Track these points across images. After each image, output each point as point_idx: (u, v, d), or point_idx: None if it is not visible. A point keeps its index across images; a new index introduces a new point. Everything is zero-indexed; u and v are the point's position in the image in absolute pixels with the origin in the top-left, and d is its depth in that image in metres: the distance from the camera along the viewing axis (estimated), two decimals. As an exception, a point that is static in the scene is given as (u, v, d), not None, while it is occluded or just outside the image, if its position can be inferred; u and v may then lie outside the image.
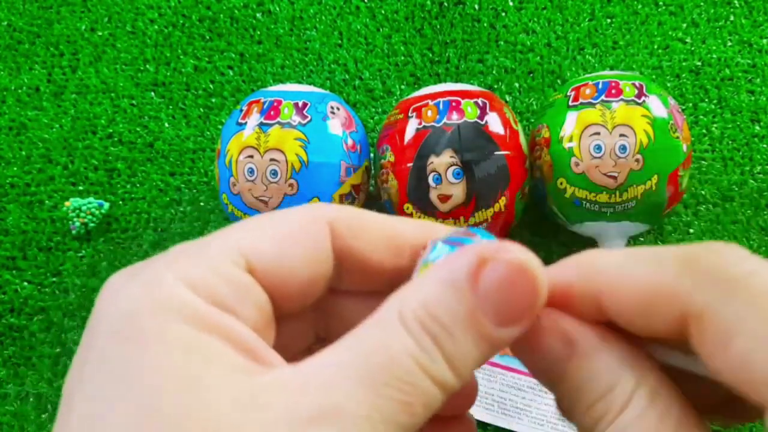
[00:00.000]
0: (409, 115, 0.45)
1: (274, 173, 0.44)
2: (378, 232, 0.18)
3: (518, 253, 0.15)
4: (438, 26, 0.58)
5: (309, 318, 0.21)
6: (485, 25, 0.58)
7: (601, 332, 0.16)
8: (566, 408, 0.16)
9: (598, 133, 0.43)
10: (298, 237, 0.17)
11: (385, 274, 0.19)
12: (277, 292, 0.17)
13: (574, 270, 0.17)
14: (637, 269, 0.16)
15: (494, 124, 0.44)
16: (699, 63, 0.56)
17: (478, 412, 0.47)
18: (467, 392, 0.20)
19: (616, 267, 0.16)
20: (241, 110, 0.46)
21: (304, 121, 0.44)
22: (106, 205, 0.53)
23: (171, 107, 0.57)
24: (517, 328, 0.15)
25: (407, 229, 0.19)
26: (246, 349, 0.15)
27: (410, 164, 0.44)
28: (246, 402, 0.14)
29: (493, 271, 0.15)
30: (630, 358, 0.16)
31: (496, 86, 0.56)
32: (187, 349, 0.14)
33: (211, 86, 0.57)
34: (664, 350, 0.16)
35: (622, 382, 0.15)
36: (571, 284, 0.17)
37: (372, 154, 0.51)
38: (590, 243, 0.48)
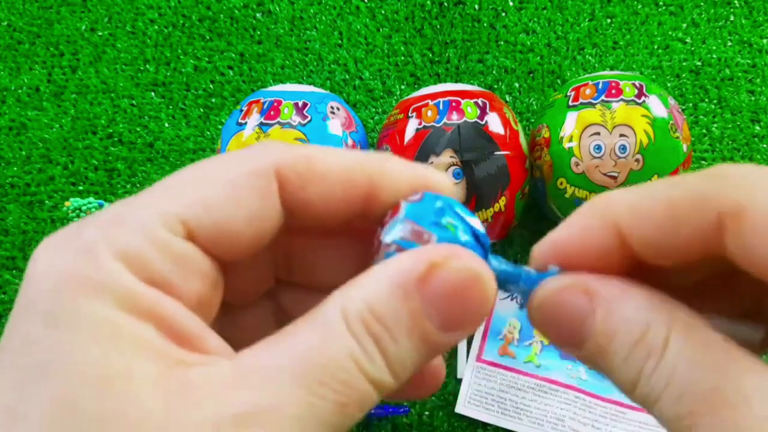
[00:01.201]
0: (409, 115, 0.45)
1: (274, 173, 0.44)
2: (331, 178, 0.16)
3: (470, 261, 0.15)
4: (438, 26, 0.58)
5: (264, 261, 0.19)
6: (485, 25, 0.58)
7: (621, 281, 0.16)
8: (605, 366, 0.15)
9: (598, 133, 0.43)
10: (241, 194, 0.15)
11: (341, 218, 0.17)
12: (221, 253, 0.16)
13: (590, 211, 0.16)
14: (657, 188, 0.15)
15: (494, 124, 0.44)
16: (699, 63, 0.56)
17: (478, 412, 0.47)
18: (430, 381, 0.20)
19: (633, 194, 0.16)
20: (241, 110, 0.46)
21: (304, 121, 0.44)
22: (106, 205, 0.53)
23: (171, 107, 0.57)
24: (461, 334, 0.15)
25: (361, 171, 0.17)
26: (180, 336, 0.14)
27: (410, 164, 0.44)
28: (172, 400, 0.13)
29: (442, 277, 0.15)
30: (655, 297, 0.15)
31: (496, 86, 0.56)
32: (114, 338, 0.13)
33: (211, 86, 0.57)
34: (721, 321, 0.16)
35: (654, 322, 0.15)
36: (589, 227, 0.16)
37: (372, 154, 0.51)
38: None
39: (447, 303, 0.15)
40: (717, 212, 0.14)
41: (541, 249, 0.17)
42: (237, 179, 0.16)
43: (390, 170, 0.17)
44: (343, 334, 0.14)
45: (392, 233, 0.16)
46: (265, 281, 0.20)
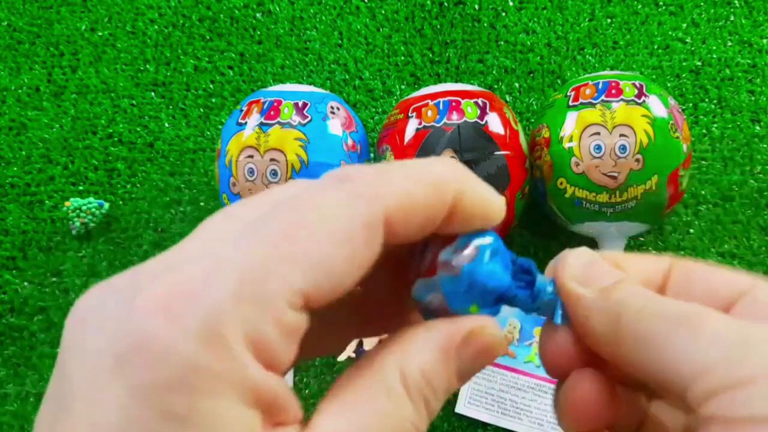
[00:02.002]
0: (409, 115, 0.45)
1: (274, 173, 0.44)
2: (423, 212, 0.17)
3: (496, 331, 0.18)
4: (438, 26, 0.58)
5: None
6: (485, 25, 0.58)
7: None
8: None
9: (598, 133, 0.43)
10: (356, 252, 0.15)
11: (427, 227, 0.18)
12: (330, 300, 0.16)
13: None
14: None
15: (494, 124, 0.44)
16: (699, 63, 0.56)
17: (478, 412, 0.47)
18: None
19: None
20: (241, 110, 0.46)
21: (304, 121, 0.44)
22: (106, 205, 0.53)
23: (171, 107, 0.57)
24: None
25: (443, 202, 0.17)
26: (276, 415, 0.15)
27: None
28: None
29: (474, 344, 0.18)
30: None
31: (496, 86, 0.56)
32: None
33: (211, 86, 0.57)
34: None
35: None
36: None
37: (372, 154, 0.51)
38: (590, 243, 0.48)
39: (473, 363, 0.18)
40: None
41: None
42: (354, 236, 0.15)
43: (467, 191, 0.18)
44: (405, 402, 0.16)
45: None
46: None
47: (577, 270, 0.20)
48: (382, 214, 0.16)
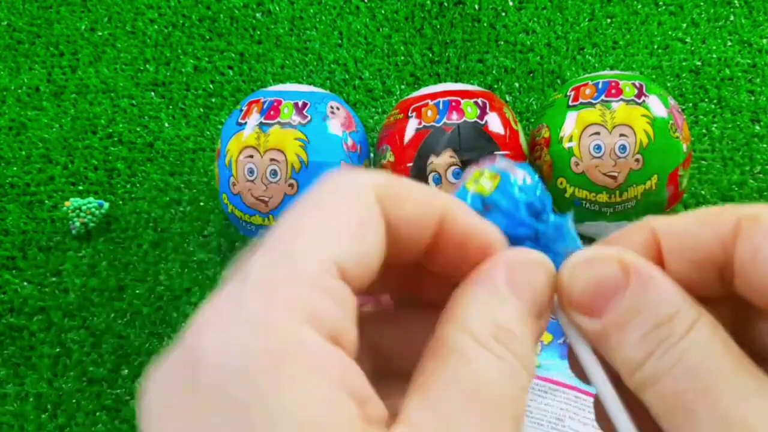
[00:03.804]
0: (409, 115, 0.45)
1: (274, 173, 0.44)
2: (414, 199, 0.17)
3: (538, 254, 0.17)
4: (438, 26, 0.58)
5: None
6: (485, 25, 0.58)
7: (657, 266, 0.17)
8: (614, 342, 0.16)
9: (598, 133, 0.43)
10: (365, 225, 0.16)
11: (416, 247, 0.18)
12: (360, 287, 0.16)
13: (633, 225, 0.18)
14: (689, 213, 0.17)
15: (494, 124, 0.44)
16: (699, 63, 0.56)
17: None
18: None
19: (668, 218, 0.17)
20: (241, 110, 0.46)
21: (304, 121, 0.44)
22: (106, 205, 0.53)
23: (171, 107, 0.57)
24: (546, 318, 0.17)
25: (436, 198, 0.18)
26: (363, 404, 0.14)
27: (410, 164, 0.44)
28: None
29: (522, 272, 0.17)
30: (688, 294, 0.16)
31: (496, 86, 0.56)
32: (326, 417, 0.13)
33: (211, 86, 0.57)
34: None
35: (684, 310, 0.15)
36: (630, 232, 0.18)
37: (372, 154, 0.51)
38: (590, 243, 0.48)
39: (531, 293, 0.16)
40: (737, 216, 0.16)
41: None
42: (356, 209, 0.16)
43: (460, 213, 0.18)
44: (487, 359, 0.15)
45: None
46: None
47: (578, 291, 0.17)
48: (373, 193, 0.16)
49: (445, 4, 0.59)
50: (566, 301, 0.17)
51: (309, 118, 0.45)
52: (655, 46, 0.57)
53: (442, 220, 0.18)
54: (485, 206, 0.18)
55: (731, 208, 0.16)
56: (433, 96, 0.45)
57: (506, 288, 0.16)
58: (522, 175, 0.18)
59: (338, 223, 0.16)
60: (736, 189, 0.52)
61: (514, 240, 0.18)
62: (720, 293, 0.17)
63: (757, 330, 0.18)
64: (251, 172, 0.44)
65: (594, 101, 0.44)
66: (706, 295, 0.17)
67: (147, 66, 0.58)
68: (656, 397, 0.15)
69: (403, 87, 0.57)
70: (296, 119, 0.44)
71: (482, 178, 0.19)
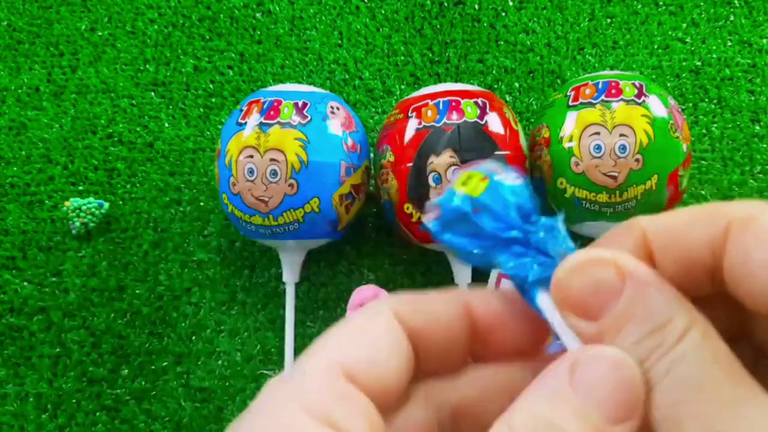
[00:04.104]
0: (409, 115, 0.45)
1: (274, 173, 0.44)
2: (435, 303, 0.18)
3: (612, 351, 0.16)
4: (438, 26, 0.58)
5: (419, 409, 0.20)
6: (485, 25, 0.58)
7: (653, 269, 0.16)
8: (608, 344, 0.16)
9: (598, 133, 0.43)
10: (379, 336, 0.18)
11: (456, 343, 0.19)
12: (377, 395, 0.17)
13: (621, 225, 0.18)
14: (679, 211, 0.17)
15: (494, 124, 0.44)
16: (699, 63, 0.56)
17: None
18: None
19: (658, 216, 0.18)
20: (241, 110, 0.46)
21: (304, 121, 0.44)
22: (106, 205, 0.53)
23: (171, 107, 0.57)
24: (629, 425, 0.15)
25: (457, 301, 0.19)
26: None
27: (410, 164, 0.44)
28: None
29: (588, 369, 0.15)
30: (680, 295, 0.16)
31: (496, 86, 0.56)
32: None
33: (211, 86, 0.57)
34: None
35: (678, 317, 0.15)
36: (619, 233, 0.18)
37: (372, 154, 0.51)
38: (590, 243, 0.48)
39: (599, 392, 0.15)
40: (728, 218, 0.16)
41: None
42: (371, 325, 0.18)
43: (482, 302, 0.19)
44: None
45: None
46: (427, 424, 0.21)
47: (574, 294, 0.16)
48: (390, 311, 0.18)
49: (445, 4, 0.59)
50: (562, 303, 0.17)
51: (309, 118, 0.45)
52: (655, 46, 0.57)
53: (468, 313, 0.18)
54: (474, 208, 0.18)
55: (721, 207, 0.16)
56: (433, 96, 0.45)
57: (568, 386, 0.15)
58: (511, 177, 0.18)
59: (349, 336, 0.17)
60: (736, 189, 0.52)
61: (504, 242, 0.18)
62: (711, 292, 0.17)
63: (755, 325, 0.18)
64: (251, 172, 0.44)
65: (594, 101, 0.44)
66: (699, 295, 0.17)
67: (147, 66, 0.58)
68: (649, 407, 0.15)
69: (403, 87, 0.57)
70: (296, 119, 0.44)
71: (471, 180, 0.18)
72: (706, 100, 0.55)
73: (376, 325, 0.18)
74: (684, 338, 0.15)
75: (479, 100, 0.45)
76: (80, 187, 0.55)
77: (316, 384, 0.16)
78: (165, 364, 0.50)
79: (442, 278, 0.51)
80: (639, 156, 0.42)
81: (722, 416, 0.14)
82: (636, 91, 0.44)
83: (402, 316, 0.18)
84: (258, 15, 0.59)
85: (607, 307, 0.16)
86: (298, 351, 0.50)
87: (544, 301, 0.17)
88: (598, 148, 0.43)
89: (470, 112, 0.44)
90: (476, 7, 0.58)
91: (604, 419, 0.15)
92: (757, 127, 0.54)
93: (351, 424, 0.16)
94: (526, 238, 0.18)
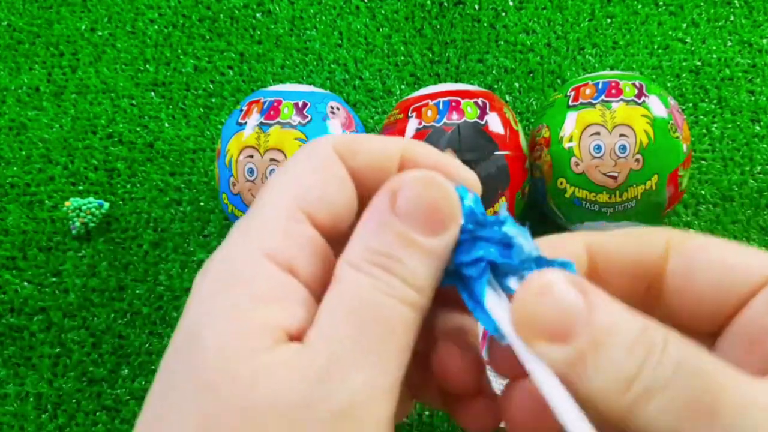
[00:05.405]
0: (409, 115, 0.45)
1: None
2: (372, 148, 0.19)
3: (421, 173, 0.17)
4: (438, 26, 0.58)
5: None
6: (485, 25, 0.58)
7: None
8: (592, 365, 0.15)
9: (598, 133, 0.43)
10: (326, 174, 0.18)
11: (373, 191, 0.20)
12: (331, 231, 0.18)
13: (568, 235, 0.19)
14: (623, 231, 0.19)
15: (494, 124, 0.44)
16: (699, 63, 0.56)
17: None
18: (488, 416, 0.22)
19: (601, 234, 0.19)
20: (241, 110, 0.46)
21: (304, 121, 0.44)
22: (106, 205, 0.53)
23: (171, 107, 0.57)
24: (448, 234, 0.17)
25: (394, 144, 0.20)
26: (288, 318, 0.17)
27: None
28: (265, 378, 0.15)
29: (404, 193, 0.17)
30: (641, 313, 0.16)
31: (496, 86, 0.56)
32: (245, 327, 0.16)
33: (211, 86, 0.57)
34: None
35: (650, 325, 0.15)
36: (565, 245, 0.19)
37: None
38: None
39: (417, 210, 0.17)
40: (666, 237, 0.17)
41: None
42: (320, 165, 0.19)
43: (419, 151, 0.20)
44: (357, 277, 0.16)
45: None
46: None
47: (542, 319, 0.16)
48: (331, 148, 0.19)
49: (445, 4, 0.59)
50: (529, 332, 0.16)
51: (309, 118, 0.45)
52: (655, 46, 0.57)
53: (403, 161, 0.19)
54: None
55: (660, 230, 0.18)
56: (433, 96, 0.45)
57: (388, 212, 0.17)
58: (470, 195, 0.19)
59: (301, 176, 0.18)
60: (736, 189, 0.52)
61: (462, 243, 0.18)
62: (645, 311, 0.17)
63: None
64: (251, 172, 0.44)
65: (594, 101, 0.44)
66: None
67: (147, 66, 0.58)
68: (659, 410, 0.14)
69: (403, 87, 0.57)
70: (296, 119, 0.44)
71: None
72: (706, 100, 0.55)
73: (323, 164, 0.18)
74: (668, 342, 0.15)
75: (479, 100, 0.45)
76: (80, 187, 0.55)
77: (278, 228, 0.17)
78: (165, 364, 0.50)
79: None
80: (639, 156, 0.42)
81: (747, 395, 0.14)
82: (636, 91, 0.44)
83: (344, 158, 0.19)
84: (258, 15, 0.59)
85: (579, 327, 0.15)
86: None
87: (496, 310, 0.17)
88: (598, 148, 0.43)
89: (470, 112, 0.44)
90: (476, 7, 0.58)
91: (423, 236, 0.17)
92: (757, 127, 0.54)
93: (311, 270, 0.17)
94: (483, 235, 0.18)
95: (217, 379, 0.15)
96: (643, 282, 0.18)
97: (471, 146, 0.43)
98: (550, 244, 0.19)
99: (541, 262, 0.18)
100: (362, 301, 0.16)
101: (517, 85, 0.56)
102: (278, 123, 0.44)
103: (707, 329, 0.17)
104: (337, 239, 0.19)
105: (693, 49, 0.56)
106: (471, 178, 0.20)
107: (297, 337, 0.16)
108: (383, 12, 0.59)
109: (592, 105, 0.44)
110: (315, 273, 0.17)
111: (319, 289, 0.17)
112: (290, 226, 0.17)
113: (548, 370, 0.15)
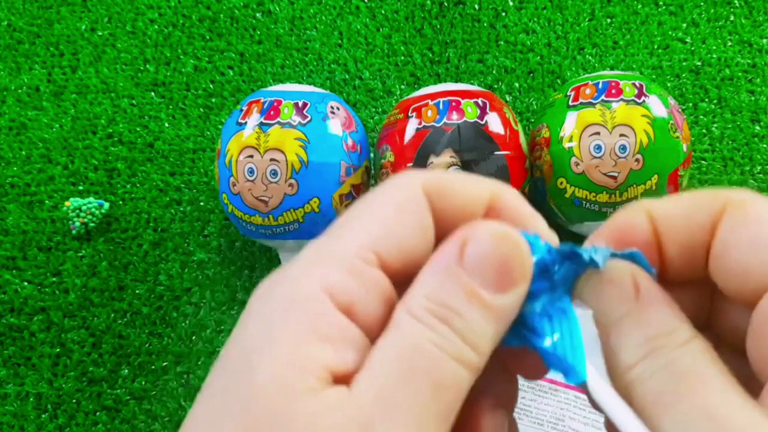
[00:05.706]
0: (409, 115, 0.45)
1: (274, 173, 0.44)
2: (462, 190, 0.19)
3: (495, 225, 0.17)
4: (438, 26, 0.58)
5: None
6: (485, 25, 0.58)
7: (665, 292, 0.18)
8: (614, 345, 0.17)
9: (598, 133, 0.43)
10: (407, 216, 0.18)
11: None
12: (400, 278, 0.18)
13: (630, 207, 0.19)
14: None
15: (494, 124, 0.44)
16: (699, 63, 0.56)
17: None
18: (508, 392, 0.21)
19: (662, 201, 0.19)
20: (241, 110, 0.46)
21: (304, 121, 0.44)
22: (106, 205, 0.53)
23: (171, 107, 0.57)
24: (515, 293, 0.17)
25: (483, 187, 0.19)
26: (334, 358, 0.16)
27: (410, 164, 0.44)
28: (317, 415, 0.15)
29: (474, 246, 0.16)
30: (686, 318, 0.17)
31: (496, 86, 0.56)
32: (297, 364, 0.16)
33: (211, 86, 0.57)
34: None
35: (683, 329, 0.16)
36: (629, 216, 0.19)
37: (372, 154, 0.51)
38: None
39: (486, 266, 0.16)
40: (724, 201, 0.17)
41: (599, 235, 0.19)
42: (404, 210, 0.18)
43: (507, 200, 0.19)
44: (414, 327, 0.16)
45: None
46: None
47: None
48: (420, 188, 0.18)
49: (445, 4, 0.59)
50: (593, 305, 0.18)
51: (309, 118, 0.45)
52: (655, 46, 0.57)
53: (491, 207, 0.19)
54: None
55: (721, 192, 0.17)
56: (433, 96, 0.45)
57: (455, 263, 0.16)
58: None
59: (383, 216, 0.17)
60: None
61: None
62: (702, 276, 0.18)
63: (720, 313, 0.19)
64: (251, 172, 0.44)
65: (594, 101, 0.44)
66: (698, 277, 0.18)
67: (147, 66, 0.58)
68: (641, 395, 0.16)
69: (403, 87, 0.57)
70: (296, 119, 0.44)
71: None
72: (706, 100, 0.55)
73: (408, 207, 0.18)
74: (688, 343, 0.16)
75: (479, 100, 0.45)
76: (80, 187, 0.55)
77: (345, 266, 0.17)
78: (165, 364, 0.50)
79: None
80: (639, 156, 0.42)
81: (717, 402, 0.15)
82: (636, 91, 0.44)
83: (431, 199, 0.18)
84: (258, 15, 0.59)
85: (623, 316, 0.17)
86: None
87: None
88: (598, 148, 0.43)
89: (470, 112, 0.44)
90: (476, 7, 0.58)
91: (489, 293, 0.16)
92: (757, 127, 0.54)
93: (370, 311, 0.17)
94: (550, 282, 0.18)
95: (266, 417, 0.15)
96: (703, 248, 0.18)
97: (471, 146, 0.43)
98: (614, 222, 0.19)
99: (610, 255, 0.18)
100: (415, 351, 0.16)
101: (517, 85, 0.56)
102: (278, 123, 0.44)
103: (749, 299, 0.17)
104: (405, 282, 0.18)
105: (693, 49, 0.56)
106: (554, 240, 0.19)
107: (343, 379, 0.16)
108: (383, 12, 0.59)
109: (592, 105, 0.44)
110: (374, 315, 0.17)
111: (376, 331, 0.17)
112: (358, 266, 0.17)
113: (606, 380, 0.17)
